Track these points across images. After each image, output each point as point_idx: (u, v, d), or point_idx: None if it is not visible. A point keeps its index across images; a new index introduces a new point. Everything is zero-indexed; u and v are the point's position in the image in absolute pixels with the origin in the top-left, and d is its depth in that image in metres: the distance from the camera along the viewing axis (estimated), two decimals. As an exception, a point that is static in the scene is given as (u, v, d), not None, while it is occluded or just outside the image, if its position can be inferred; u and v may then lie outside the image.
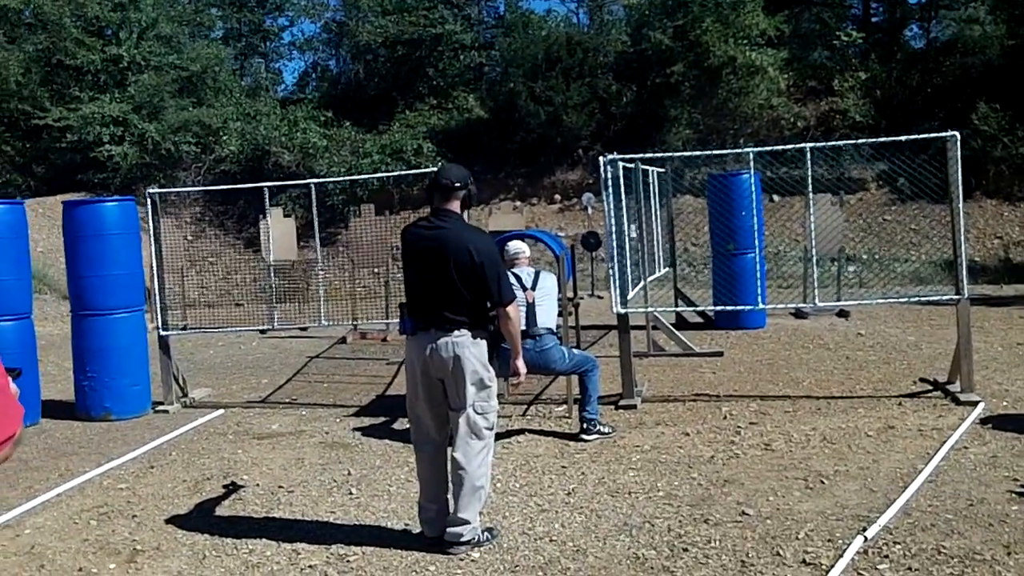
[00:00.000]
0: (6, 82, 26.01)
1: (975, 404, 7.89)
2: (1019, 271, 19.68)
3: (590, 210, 22.96)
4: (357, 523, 5.80)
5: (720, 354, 10.91)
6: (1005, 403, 8.04)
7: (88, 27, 26.76)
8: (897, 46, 27.46)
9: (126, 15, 26.73)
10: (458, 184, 5.22)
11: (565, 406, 8.43)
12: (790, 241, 20.43)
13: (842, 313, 13.51)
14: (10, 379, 2.36)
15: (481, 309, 5.20)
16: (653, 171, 12.23)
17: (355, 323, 13.58)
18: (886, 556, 4.84)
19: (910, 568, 4.67)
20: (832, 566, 4.72)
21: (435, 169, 8.97)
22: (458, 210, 5.26)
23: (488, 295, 5.17)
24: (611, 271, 8.70)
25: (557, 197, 24.68)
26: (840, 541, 5.06)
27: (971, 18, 27.73)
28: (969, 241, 18.94)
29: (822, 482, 6.13)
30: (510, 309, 5.21)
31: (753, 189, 9.43)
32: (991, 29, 25.78)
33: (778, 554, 4.94)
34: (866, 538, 5.05)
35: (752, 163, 8.87)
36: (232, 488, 6.65)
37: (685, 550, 5.06)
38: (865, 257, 20.97)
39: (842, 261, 15.55)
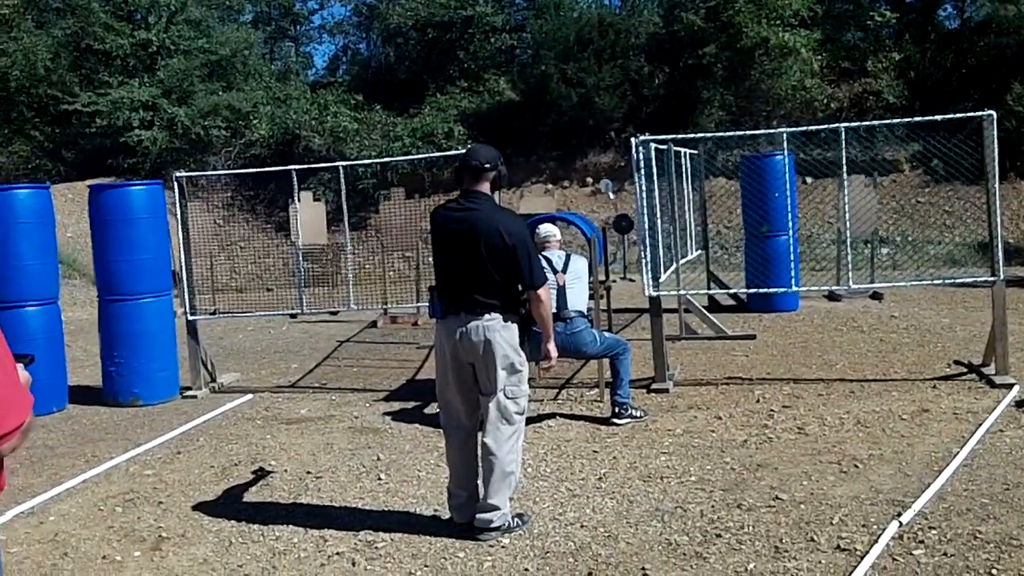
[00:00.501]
0: (35, 67, 26.06)
1: (1010, 387, 7.77)
2: (1052, 252, 19.39)
3: (611, 195, 22.82)
4: (386, 509, 5.76)
5: (753, 337, 10.80)
6: (1042, 386, 7.90)
7: (117, 11, 26.75)
8: (931, 26, 27.02)
9: (155, -1, 26.79)
10: (488, 165, 5.13)
11: (597, 390, 8.36)
12: (823, 223, 20.21)
13: (876, 295, 13.34)
14: (21, 366, 2.30)
15: (512, 292, 5.13)
16: (685, 153, 12.10)
17: (385, 307, 13.56)
18: (921, 541, 4.74)
19: (945, 553, 4.58)
20: (867, 552, 4.63)
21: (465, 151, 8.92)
22: (488, 191, 5.17)
23: (519, 278, 5.09)
24: (643, 254, 8.61)
25: (589, 180, 24.51)
26: (875, 526, 4.97)
27: (1006, -2, 27.37)
28: (1003, 223, 18.63)
29: (856, 466, 6.03)
30: (541, 292, 5.13)
31: (787, 170, 9.27)
32: (1027, 9, 25.41)
33: (812, 539, 4.86)
34: (901, 523, 4.95)
35: (786, 144, 8.73)
36: (260, 474, 6.63)
37: (718, 536, 4.99)
38: (899, 239, 20.72)
39: (875, 243, 15.35)
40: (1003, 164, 13.12)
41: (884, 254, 17.82)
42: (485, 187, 5.15)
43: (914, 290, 13.60)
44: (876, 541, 4.73)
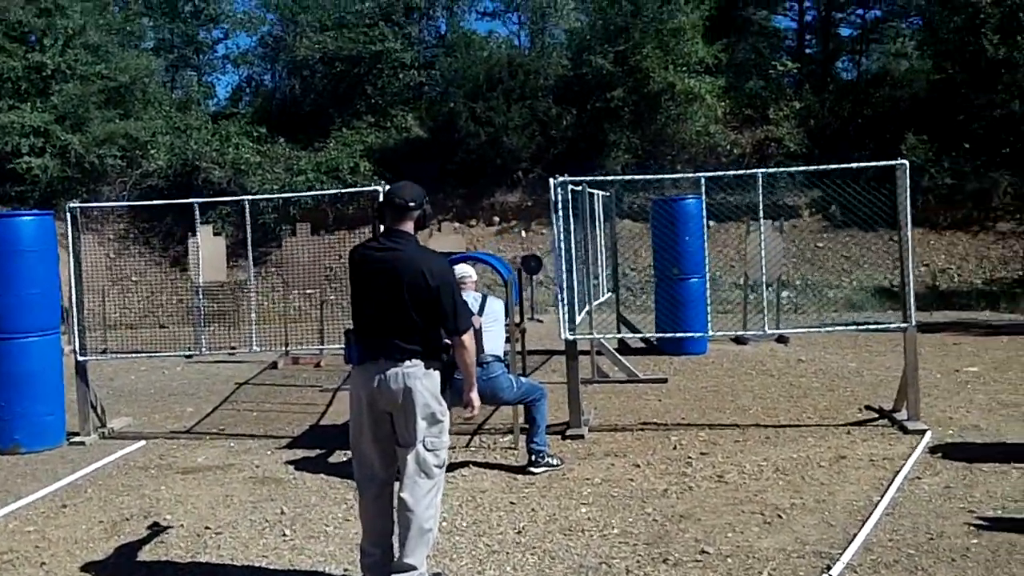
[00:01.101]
0: (-80, 88, 24.97)
1: (923, 433, 7.78)
2: (946, 298, 19.86)
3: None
4: (291, 568, 5.41)
5: (664, 380, 10.70)
6: (951, 431, 7.94)
7: (10, 32, 25.65)
8: (830, 77, 27.84)
9: (52, 21, 25.71)
10: (412, 203, 4.87)
11: (511, 436, 8.11)
12: (726, 266, 20.40)
13: (782, 339, 13.40)
14: None
15: (435, 337, 4.85)
16: (598, 194, 12.00)
17: (287, 348, 13.12)
18: (855, 600, 4.59)
19: (882, 614, 4.43)
20: (802, 613, 4.45)
21: (376, 188, 8.64)
22: (412, 231, 4.90)
23: (443, 322, 4.82)
24: (560, 296, 8.42)
25: (496, 219, 24.41)
26: (806, 583, 4.81)
27: (899, 52, 28.33)
28: (898, 268, 19.06)
29: (780, 516, 5.89)
30: (466, 338, 4.86)
31: (703, 215, 9.22)
32: (918, 64, 26.32)
33: (744, 599, 4.66)
34: (831, 578, 4.80)
35: (703, 188, 8.67)
36: (154, 529, 6.19)
37: (646, 596, 4.76)
38: (799, 283, 21.04)
39: (778, 287, 15.47)
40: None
41: (785, 297, 17.99)
42: (408, 226, 4.88)
43: (818, 334, 13.70)
44: (810, 600, 4.56)
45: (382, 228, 4.97)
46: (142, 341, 15.88)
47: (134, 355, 13.65)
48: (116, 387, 12.18)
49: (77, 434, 9.00)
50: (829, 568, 4.93)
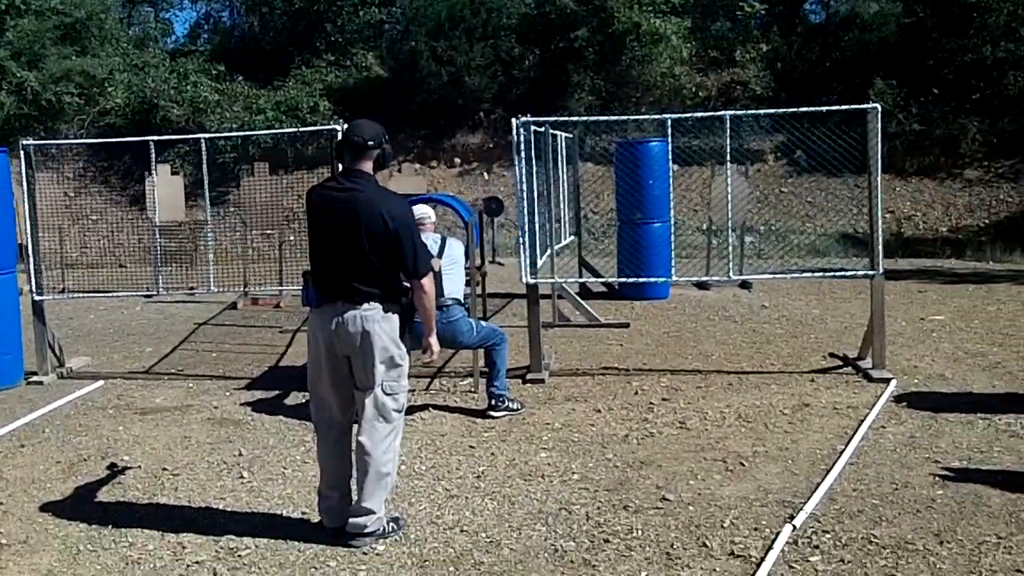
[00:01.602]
0: None
1: (888, 381, 7.77)
2: (911, 245, 19.97)
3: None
4: (249, 510, 5.35)
5: (627, 325, 10.68)
6: (916, 380, 7.94)
7: (-38, -34, 25.11)
8: (798, 19, 27.60)
9: (4, -44, 25.16)
10: (371, 143, 4.74)
11: (471, 379, 8.06)
12: (689, 211, 20.36)
13: (745, 285, 13.40)
14: None
15: (393, 280, 4.76)
16: (561, 136, 11.88)
17: (246, 288, 12.97)
18: (816, 546, 4.60)
19: (842, 560, 4.44)
20: (763, 558, 4.45)
21: (335, 127, 8.48)
22: (371, 171, 4.78)
23: (402, 266, 4.73)
24: (521, 239, 8.33)
25: (457, 160, 24.18)
26: (767, 530, 4.81)
27: (868, -6, 28.15)
28: (863, 215, 19.07)
29: (742, 464, 5.89)
30: (425, 281, 4.78)
31: (669, 158, 9.13)
32: (888, 7, 26.11)
33: (705, 545, 4.66)
34: (794, 527, 4.80)
35: (670, 130, 8.57)
36: (112, 470, 6.11)
37: (606, 541, 4.75)
38: (763, 229, 21.06)
39: (742, 232, 15.46)
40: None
41: (749, 243, 17.99)
42: (367, 166, 4.76)
43: (783, 280, 13.71)
44: (771, 547, 4.56)
45: (340, 168, 4.85)
46: (101, 281, 15.63)
47: (92, 295, 13.45)
48: (75, 327, 12.00)
49: (35, 374, 8.88)
50: (792, 517, 4.92)
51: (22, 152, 9.01)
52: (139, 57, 26.61)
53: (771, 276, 12.60)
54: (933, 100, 22.53)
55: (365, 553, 4.69)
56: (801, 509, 5.02)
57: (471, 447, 6.41)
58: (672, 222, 9.26)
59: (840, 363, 8.62)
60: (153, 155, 9.73)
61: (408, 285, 4.81)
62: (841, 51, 24.99)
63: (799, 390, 7.68)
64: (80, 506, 5.50)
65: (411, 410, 7.18)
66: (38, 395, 8.32)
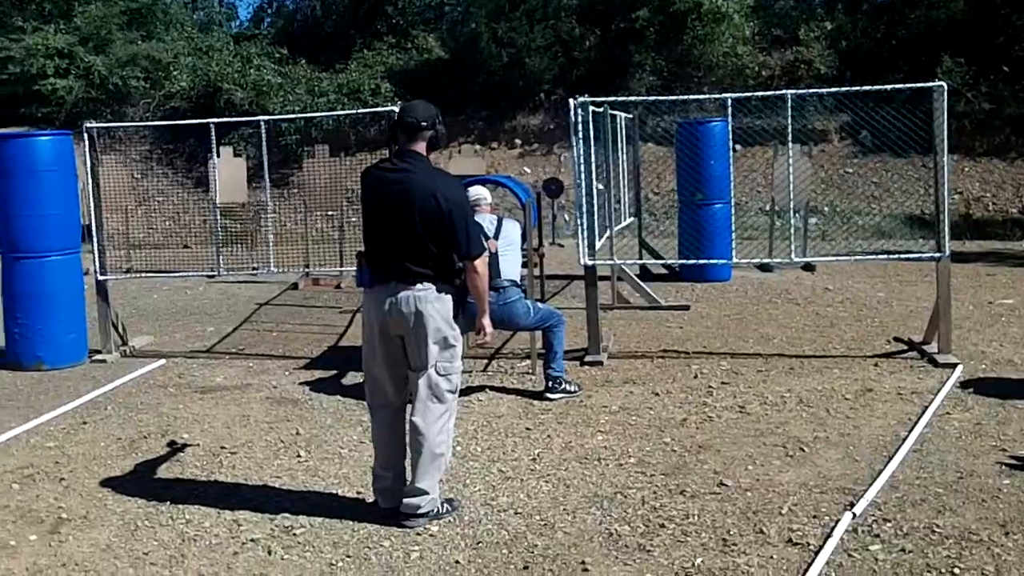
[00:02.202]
0: (-57, 9, 24.86)
1: (954, 366, 7.59)
2: (980, 227, 19.48)
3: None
4: (305, 489, 5.38)
5: (687, 307, 10.57)
6: (984, 365, 7.75)
7: (32, -46, 25.58)
8: (863, -4, 27.08)
9: (72, -57, 25.55)
10: (425, 123, 4.72)
11: (528, 361, 8.03)
12: (752, 192, 20.11)
13: (808, 267, 13.21)
14: None
15: (447, 261, 4.73)
16: (621, 116, 11.76)
17: (307, 269, 13.06)
18: (876, 535, 4.50)
19: (903, 549, 4.34)
20: (821, 546, 4.37)
21: (393, 108, 8.47)
22: (424, 152, 4.76)
23: (455, 247, 4.70)
24: (579, 221, 8.27)
25: (518, 142, 24.09)
26: (826, 518, 4.72)
27: (937, -30, 27.45)
28: (929, 196, 18.72)
29: (802, 450, 5.79)
30: (478, 263, 4.74)
31: (728, 138, 8.99)
32: (956, -18, 25.50)
33: (761, 531, 4.59)
34: (854, 515, 4.70)
35: (730, 110, 8.43)
36: (171, 448, 6.18)
37: (662, 526, 4.69)
38: (827, 210, 20.74)
39: (806, 213, 15.23)
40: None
41: (813, 224, 17.73)
42: (421, 147, 4.74)
43: (847, 262, 13.47)
44: (829, 535, 4.47)
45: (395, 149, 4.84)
46: (166, 261, 15.85)
47: (156, 275, 13.64)
48: (139, 306, 12.18)
49: (99, 352, 9.01)
50: (853, 505, 4.82)
51: (85, 135, 9.13)
52: (203, 41, 26.86)
53: (835, 258, 12.40)
54: (1004, 78, 21.93)
55: (419, 534, 4.69)
56: (862, 497, 4.92)
57: (527, 429, 6.38)
58: (733, 203, 9.13)
59: (905, 347, 8.44)
60: (214, 137, 9.82)
61: (461, 266, 4.78)
62: (907, 29, 24.40)
63: (862, 375, 7.54)
64: (139, 482, 5.57)
65: (468, 391, 7.19)
66: (101, 373, 8.45)
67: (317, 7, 28.53)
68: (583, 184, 8.20)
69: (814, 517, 4.73)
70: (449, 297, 4.76)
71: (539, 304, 7.53)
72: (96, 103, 24.37)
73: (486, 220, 7.15)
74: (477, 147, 23.01)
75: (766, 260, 12.14)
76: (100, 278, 9.16)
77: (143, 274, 13.02)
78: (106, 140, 22.04)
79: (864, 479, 5.21)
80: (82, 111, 23.49)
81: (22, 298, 8.61)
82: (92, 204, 9.15)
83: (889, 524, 4.60)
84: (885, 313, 10.12)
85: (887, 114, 12.80)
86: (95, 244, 9.13)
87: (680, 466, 5.56)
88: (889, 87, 8.43)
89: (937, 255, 7.93)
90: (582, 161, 8.19)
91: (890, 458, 5.52)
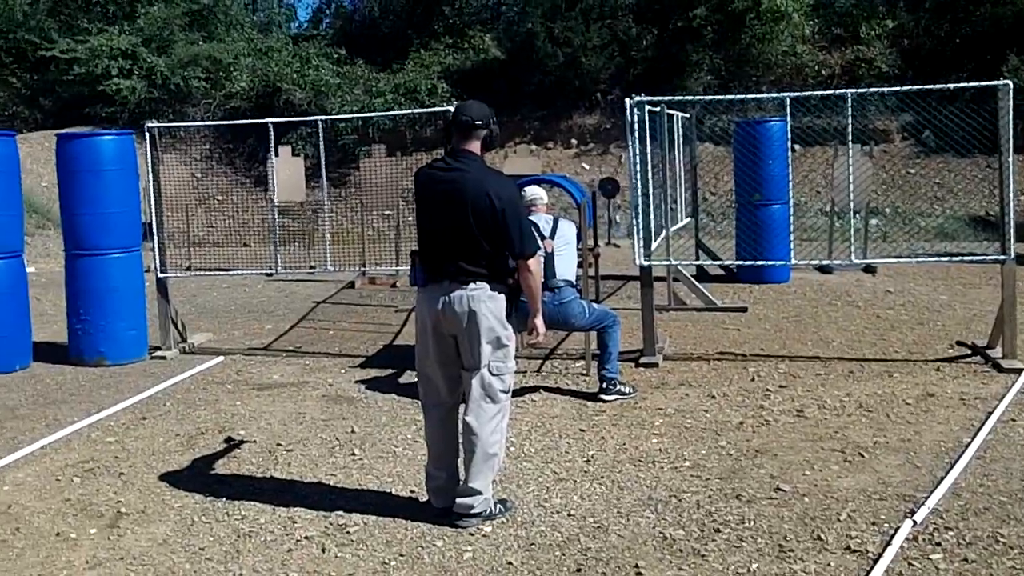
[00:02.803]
0: (13, 12, 25.36)
1: (1019, 372, 7.41)
2: (1047, 230, 19.10)
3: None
4: (359, 487, 5.40)
5: (744, 309, 10.46)
6: (1049, 371, 7.56)
7: (98, -43, 26.08)
8: (926, -7, 26.63)
9: (136, -55, 26.00)
10: (479, 122, 4.72)
11: (583, 362, 7.99)
12: (811, 193, 19.88)
13: (869, 269, 13.00)
14: None
15: (500, 260, 4.72)
16: (677, 116, 11.68)
17: (363, 268, 13.13)
18: (938, 544, 4.40)
19: (966, 559, 4.24)
20: (880, 554, 4.28)
21: (449, 108, 8.47)
22: (478, 152, 4.76)
23: (508, 246, 4.68)
24: (634, 221, 8.22)
25: (574, 141, 24.05)
26: (886, 525, 4.63)
27: (1004, -35, 26.92)
28: (994, 197, 18.36)
29: (861, 455, 5.69)
30: (531, 262, 4.72)
31: (788, 138, 8.89)
32: (1024, -23, 24.97)
33: (819, 538, 4.51)
34: (915, 522, 4.61)
35: (788, 109, 8.33)
36: (228, 444, 6.24)
37: (717, 530, 4.63)
38: (888, 211, 20.44)
39: (866, 214, 15.02)
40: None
41: (873, 225, 17.49)
42: (475, 147, 4.74)
43: (908, 264, 13.25)
44: (889, 542, 4.39)
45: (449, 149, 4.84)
46: (226, 259, 16.04)
47: (214, 273, 13.79)
48: (199, 303, 12.34)
49: (159, 348, 9.14)
50: (913, 512, 4.72)
51: (147, 134, 9.26)
52: (263, 42, 27.16)
53: (896, 260, 12.21)
54: (1073, 77, 21.45)
55: (472, 534, 4.68)
56: (923, 504, 4.82)
57: (581, 430, 6.35)
58: (792, 203, 9.02)
59: (968, 352, 8.27)
60: (272, 137, 9.91)
61: (514, 265, 4.76)
62: (972, 26, 23.96)
63: (924, 379, 7.40)
64: (197, 478, 5.63)
65: (522, 391, 7.17)
66: (161, 369, 8.56)
67: (375, 8, 28.72)
68: (639, 184, 8.14)
69: (873, 524, 4.64)
70: (502, 296, 4.75)
71: (594, 304, 7.49)
72: (158, 103, 24.75)
73: (542, 220, 7.13)
74: (533, 147, 23.01)
75: (826, 262, 11.97)
76: (160, 275, 9.28)
77: (203, 272, 13.17)
78: (167, 139, 22.39)
79: (925, 486, 5.11)
80: (145, 111, 23.87)
81: (85, 295, 8.76)
82: (153, 202, 9.27)
83: (951, 533, 4.50)
84: (948, 316, 9.93)
85: (950, 113, 12.59)
86: (156, 242, 9.25)
87: (736, 470, 5.49)
88: (952, 86, 8.26)
89: (1002, 257, 7.76)
90: (638, 161, 8.14)
91: (952, 465, 5.41)
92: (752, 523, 4.70)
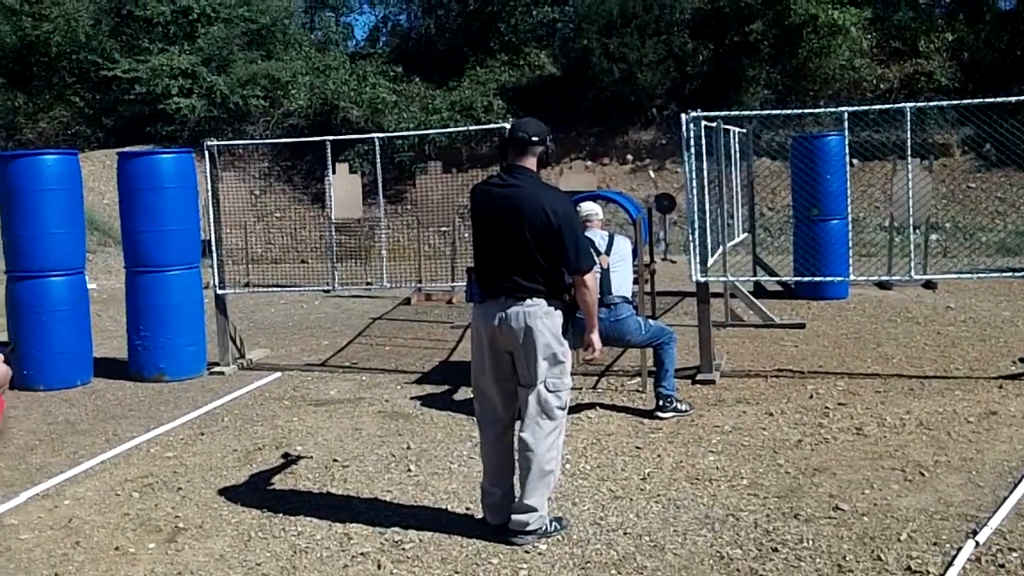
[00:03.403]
0: (76, 33, 25.95)
1: (1084, 389, 7.27)
2: (1114, 245, 18.68)
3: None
4: (415, 504, 5.41)
5: (802, 326, 10.34)
6: (1117, 389, 7.39)
7: (159, -22, 26.56)
8: (986, 6, 26.21)
9: (196, -34, 26.48)
10: (536, 139, 4.73)
11: (639, 379, 7.95)
12: (870, 208, 19.66)
13: (929, 284, 12.80)
14: None
15: (557, 276, 4.72)
16: (734, 131, 11.61)
17: (419, 284, 13.20)
18: (1001, 565, 4.32)
19: (1031, 581, 4.15)
20: (942, 575, 4.20)
21: (505, 125, 8.51)
22: (534, 168, 4.77)
23: (564, 261, 4.68)
24: (691, 237, 8.17)
25: (629, 157, 24.02)
26: (947, 545, 4.55)
27: (1066, -24, 26.47)
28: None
29: (922, 474, 5.59)
30: (588, 278, 4.72)
31: (846, 152, 8.79)
32: (1087, -11, 24.55)
33: (879, 558, 4.44)
34: (977, 543, 4.52)
35: (846, 124, 8.25)
36: (285, 460, 6.30)
37: (775, 550, 4.58)
38: (949, 226, 20.13)
39: (926, 229, 14.81)
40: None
41: (933, 241, 17.24)
42: (531, 163, 4.75)
43: (969, 280, 13.03)
44: (951, 563, 4.31)
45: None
46: (284, 276, 16.23)
47: (272, 289, 13.95)
48: (256, 320, 12.47)
49: (217, 364, 9.25)
50: (975, 533, 4.64)
51: (206, 152, 9.40)
52: (320, 60, 27.48)
53: (957, 276, 12.01)
54: None
55: (527, 552, 4.67)
56: (985, 524, 4.73)
57: (637, 448, 6.32)
58: (850, 219, 8.92)
59: (1031, 369, 8.12)
60: (329, 154, 9.99)
61: (570, 281, 4.76)
62: (1034, 39, 23.62)
63: (986, 397, 7.26)
64: (254, 493, 5.68)
65: (577, 408, 7.15)
66: (219, 385, 8.67)
67: (431, 26, 28.97)
68: (695, 200, 8.11)
69: (934, 544, 4.56)
70: (559, 312, 4.75)
71: (650, 321, 7.45)
72: (217, 121, 25.14)
73: (597, 236, 7.13)
74: (588, 163, 22.98)
75: (885, 277, 11.81)
76: (219, 292, 9.40)
77: (261, 288, 13.32)
78: (226, 157, 22.66)
79: (988, 506, 5.01)
80: (204, 129, 24.25)
81: (144, 311, 8.89)
82: (212, 220, 9.41)
83: (1015, 554, 4.41)
84: (1010, 333, 9.74)
85: (1012, 126, 12.36)
86: (214, 259, 9.38)
87: (794, 489, 5.43)
88: (1014, 99, 8.12)
89: (1067, 273, 7.61)
90: (694, 176, 8.10)
91: (1016, 484, 5.30)
92: (811, 543, 4.64)
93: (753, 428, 6.67)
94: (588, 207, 7.45)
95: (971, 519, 4.85)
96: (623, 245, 7.24)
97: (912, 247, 8.51)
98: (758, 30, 23.44)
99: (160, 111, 24.53)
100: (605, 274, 6.92)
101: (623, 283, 7.08)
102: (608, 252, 7.07)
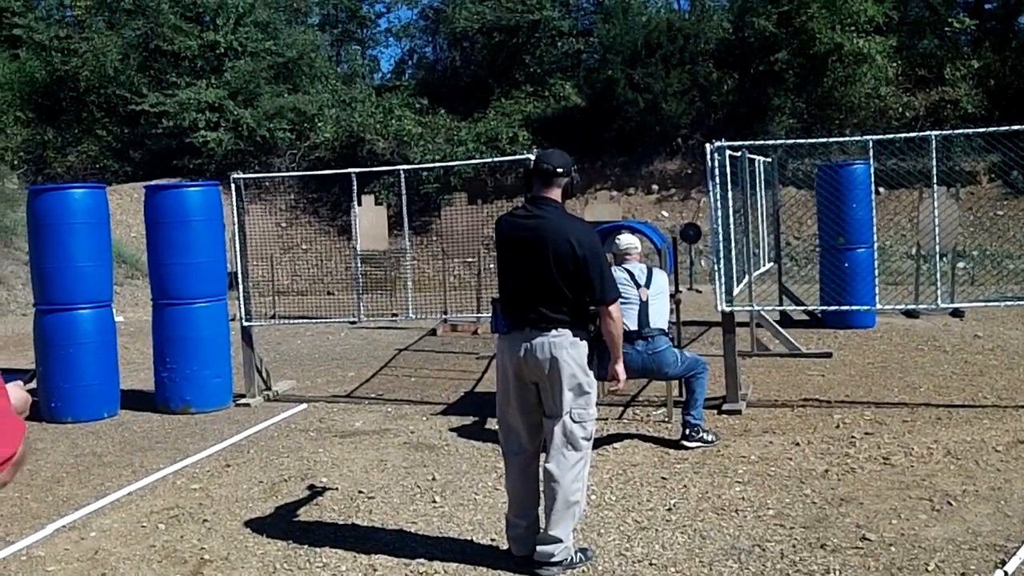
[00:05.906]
0: (104, 68, 26.31)
1: (1115, 418, 7.18)
2: None
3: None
4: (440, 535, 5.40)
5: (829, 355, 10.28)
6: None
7: (186, 13, 26.83)
8: (1012, 34, 26.12)
9: (223, 1, 26.78)
10: (560, 170, 4.76)
11: (664, 409, 7.93)
12: (896, 236, 19.56)
13: (957, 313, 12.72)
14: (19, 385, 1.97)
15: (582, 307, 4.74)
16: (759, 160, 11.62)
17: (445, 315, 13.25)
18: (1033, 596, 4.26)
19: (1063, 613, 4.10)
20: (972, 607, 4.16)
21: (530, 156, 8.56)
22: (559, 199, 4.80)
23: (589, 292, 4.70)
24: (716, 266, 8.17)
25: (655, 187, 24.05)
26: (976, 575, 4.49)
27: (1091, 4, 26.36)
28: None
29: (949, 504, 5.54)
30: (612, 309, 4.73)
31: (872, 180, 8.78)
32: (1113, 16, 24.48)
33: (908, 589, 4.40)
34: (1006, 573, 4.48)
35: (871, 152, 8.24)
36: (310, 491, 6.31)
37: (801, 581, 4.55)
38: (976, 254, 20.00)
39: (953, 257, 14.73)
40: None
41: (961, 269, 17.14)
42: (556, 194, 4.78)
43: (997, 308, 12.94)
44: (981, 594, 4.27)
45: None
46: (310, 307, 16.30)
47: (298, 321, 14.03)
48: (283, 351, 12.53)
49: (243, 396, 9.29)
50: (1004, 563, 4.59)
51: (233, 185, 9.49)
52: (347, 93, 27.72)
53: (985, 304, 11.92)
54: None
55: (552, 583, 4.66)
56: (1014, 554, 4.68)
57: (663, 478, 6.29)
58: (876, 247, 8.88)
59: (1062, 398, 8.04)
60: (355, 186, 10.07)
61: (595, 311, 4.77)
62: (1060, 66, 23.52)
63: (1014, 425, 7.19)
64: (279, 525, 5.70)
65: (603, 439, 7.14)
66: (245, 417, 8.71)
67: (456, 58, 29.18)
68: (720, 229, 8.11)
69: (963, 575, 4.52)
70: (584, 343, 4.76)
71: (685, 352, 7.44)
72: (244, 154, 25.37)
73: (637, 268, 7.15)
74: (613, 193, 23.02)
75: (912, 306, 11.75)
76: (245, 324, 9.46)
77: (287, 320, 13.39)
78: (253, 190, 22.94)
79: (1016, 536, 4.96)
80: (231, 162, 24.48)
81: (171, 343, 8.96)
82: (239, 252, 9.48)
83: (1046, 585, 4.36)
84: (1040, 361, 9.66)
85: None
86: (241, 291, 9.44)
87: (821, 519, 5.39)
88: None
89: (1097, 301, 7.54)
90: (719, 206, 8.10)
91: (1046, 515, 5.24)
92: (838, 573, 4.61)
93: (779, 458, 6.63)
94: (628, 240, 7.46)
95: (999, 549, 4.80)
96: (661, 278, 7.25)
97: (939, 275, 8.47)
98: (783, 59, 23.47)
99: (187, 144, 24.79)
100: (644, 306, 6.94)
101: (660, 316, 7.07)
102: (648, 285, 7.08)
